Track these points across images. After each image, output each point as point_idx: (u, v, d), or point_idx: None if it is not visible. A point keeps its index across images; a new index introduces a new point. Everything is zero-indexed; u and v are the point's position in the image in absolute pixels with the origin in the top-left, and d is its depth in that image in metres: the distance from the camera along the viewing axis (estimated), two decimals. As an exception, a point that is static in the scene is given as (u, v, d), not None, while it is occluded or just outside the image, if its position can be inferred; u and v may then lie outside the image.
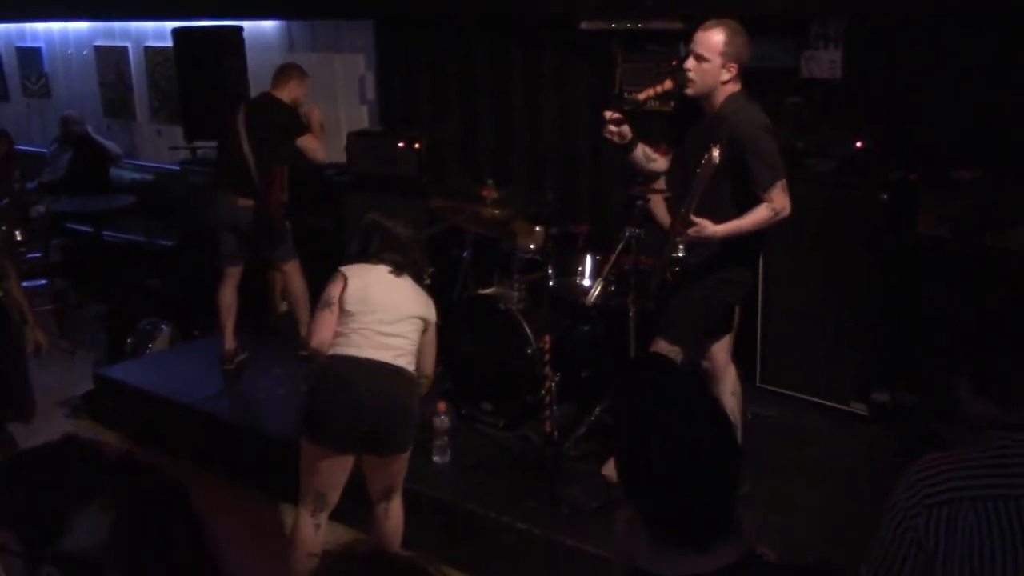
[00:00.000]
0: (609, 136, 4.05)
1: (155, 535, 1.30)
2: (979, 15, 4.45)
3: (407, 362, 3.66)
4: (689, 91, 3.85)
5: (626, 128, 4.05)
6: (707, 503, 1.60)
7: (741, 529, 1.64)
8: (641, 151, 4.15)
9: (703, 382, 1.72)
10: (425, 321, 3.79)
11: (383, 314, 3.64)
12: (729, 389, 4.14)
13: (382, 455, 3.63)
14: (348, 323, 3.63)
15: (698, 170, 3.54)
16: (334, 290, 3.66)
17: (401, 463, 3.71)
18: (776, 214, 3.73)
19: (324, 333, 3.64)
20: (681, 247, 3.87)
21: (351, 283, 3.67)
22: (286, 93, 5.58)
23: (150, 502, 1.32)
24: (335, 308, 3.65)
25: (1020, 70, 4.47)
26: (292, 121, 5.56)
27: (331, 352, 3.61)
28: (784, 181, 3.75)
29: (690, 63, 3.81)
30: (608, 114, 4.02)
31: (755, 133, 3.73)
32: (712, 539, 1.59)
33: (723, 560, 1.59)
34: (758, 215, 3.73)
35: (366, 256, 3.78)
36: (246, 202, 5.48)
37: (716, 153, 3.48)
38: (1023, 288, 4.12)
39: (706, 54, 3.77)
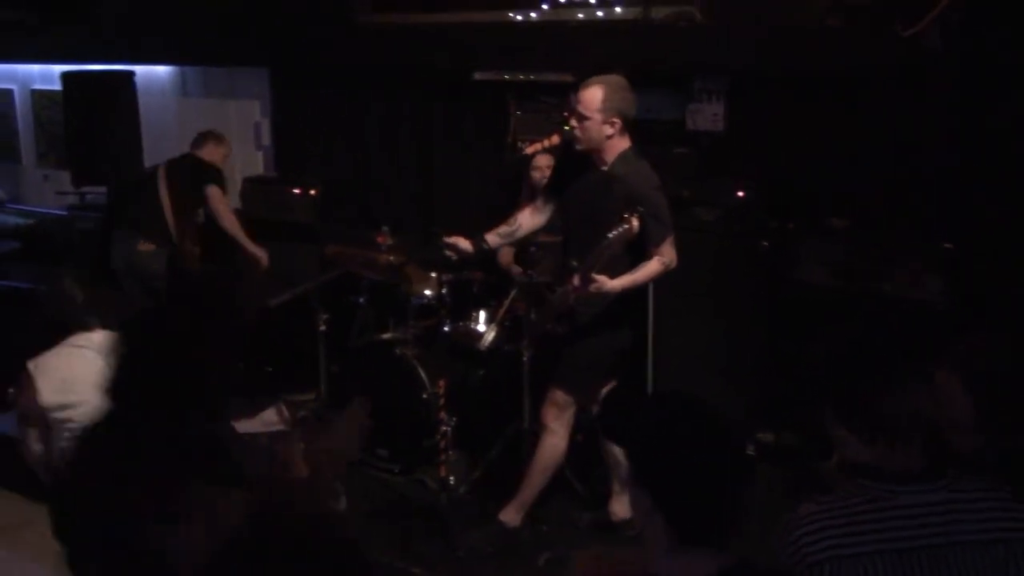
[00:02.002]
0: (451, 255, 4.27)
1: None
2: (848, 74, 4.70)
3: None
4: (579, 147, 3.97)
5: (461, 243, 4.25)
6: (728, 505, 1.82)
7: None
8: (495, 237, 4.33)
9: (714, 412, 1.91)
10: None
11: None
12: None
13: None
14: None
15: (611, 234, 3.59)
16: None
17: None
18: (666, 267, 3.91)
19: None
20: (571, 299, 3.97)
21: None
22: (205, 153, 5.95)
23: None
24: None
25: (893, 124, 4.72)
26: (207, 172, 5.89)
27: None
28: (672, 236, 3.91)
29: (573, 121, 3.94)
30: (446, 242, 4.25)
31: (649, 192, 3.87)
32: (730, 539, 1.82)
33: (726, 562, 1.79)
34: (650, 269, 3.88)
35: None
36: (147, 246, 5.50)
37: (636, 223, 3.58)
38: (895, 332, 4.32)
39: (586, 112, 3.88)
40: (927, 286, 4.40)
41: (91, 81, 6.81)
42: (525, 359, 4.55)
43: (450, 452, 4.47)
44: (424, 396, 4.68)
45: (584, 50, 5.32)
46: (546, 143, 4.10)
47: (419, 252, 5.11)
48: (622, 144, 3.97)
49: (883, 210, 4.76)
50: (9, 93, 8.43)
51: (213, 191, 5.84)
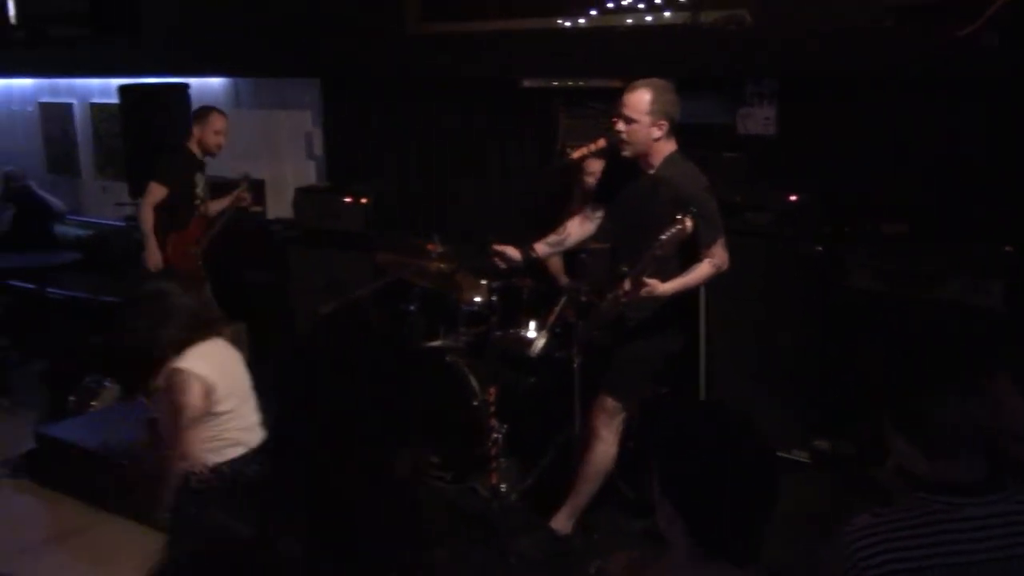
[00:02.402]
0: (500, 264, 4.28)
1: None
2: (902, 75, 4.62)
3: None
4: (626, 152, 3.96)
5: (509, 252, 4.26)
6: (755, 521, 1.76)
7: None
8: (544, 246, 4.35)
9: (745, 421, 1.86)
10: None
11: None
12: None
13: None
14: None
15: (663, 236, 3.59)
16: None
17: None
18: (717, 269, 3.87)
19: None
20: (621, 305, 3.94)
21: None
22: (192, 138, 5.87)
23: None
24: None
25: (948, 126, 4.64)
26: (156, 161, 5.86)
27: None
28: (724, 238, 3.87)
29: (620, 125, 3.93)
30: (495, 250, 4.27)
31: (697, 193, 3.85)
32: (749, 556, 1.76)
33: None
34: (702, 271, 3.86)
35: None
36: None
37: (689, 224, 3.57)
38: (952, 339, 4.25)
39: (633, 115, 3.89)
40: (987, 291, 4.30)
41: (147, 93, 6.93)
42: (576, 366, 4.55)
43: (501, 459, 4.47)
44: (475, 403, 4.68)
45: (633, 55, 5.29)
46: (592, 147, 4.10)
47: (469, 260, 5.12)
48: (668, 147, 3.97)
49: (939, 214, 4.67)
50: (69, 107, 8.61)
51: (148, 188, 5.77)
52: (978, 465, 2.05)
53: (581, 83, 5.56)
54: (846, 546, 2.05)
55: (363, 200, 6.23)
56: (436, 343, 5.11)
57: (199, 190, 5.82)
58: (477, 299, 5.04)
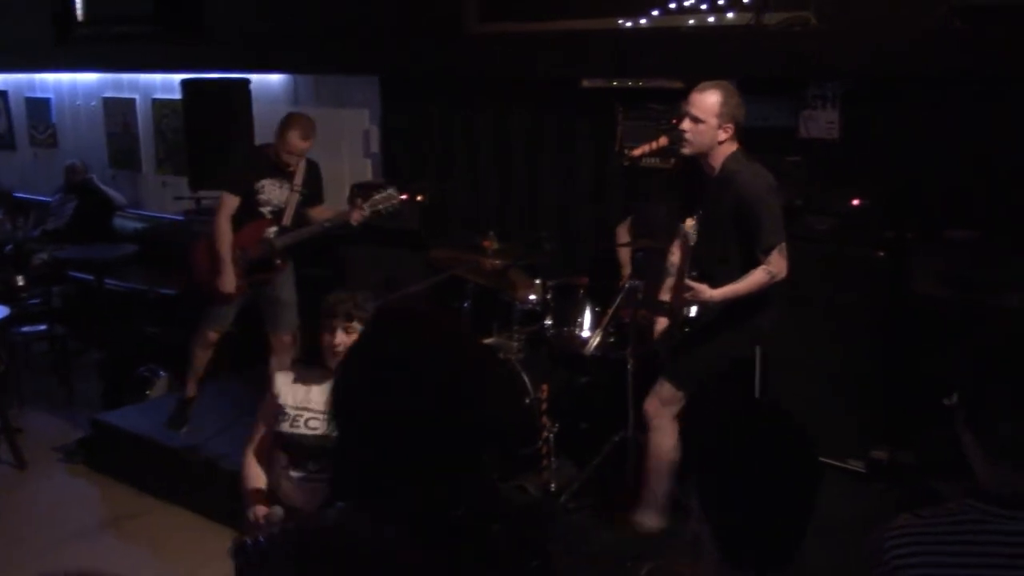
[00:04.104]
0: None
1: None
2: (972, 76, 4.53)
3: None
4: (686, 151, 3.94)
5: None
6: (785, 532, 1.64)
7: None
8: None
9: (789, 417, 1.76)
10: None
11: None
12: None
13: None
14: None
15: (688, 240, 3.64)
16: None
17: None
18: (773, 277, 3.78)
19: None
20: (693, 309, 3.94)
21: None
22: (276, 143, 5.26)
23: None
24: None
25: (1014, 130, 4.54)
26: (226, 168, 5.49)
27: None
28: (784, 244, 3.78)
29: (686, 124, 3.89)
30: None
31: (760, 194, 3.79)
32: (784, 565, 1.64)
33: None
34: (754, 279, 3.78)
35: None
36: None
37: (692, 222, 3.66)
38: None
39: (701, 115, 3.85)
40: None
41: (208, 88, 7.02)
42: (630, 367, 4.52)
43: (552, 459, 4.44)
44: (527, 401, 4.66)
45: (694, 57, 5.25)
46: (653, 145, 4.07)
47: (525, 257, 5.11)
48: (731, 148, 3.92)
49: (1005, 219, 4.57)
50: (131, 103, 8.74)
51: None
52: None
53: (641, 83, 5.52)
54: (881, 544, 2.00)
55: (419, 197, 6.23)
56: (489, 341, 5.09)
57: (265, 197, 5.28)
58: (532, 297, 5.02)
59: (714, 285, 3.80)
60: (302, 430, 3.56)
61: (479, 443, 1.59)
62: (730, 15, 5.25)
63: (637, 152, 4.22)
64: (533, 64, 5.90)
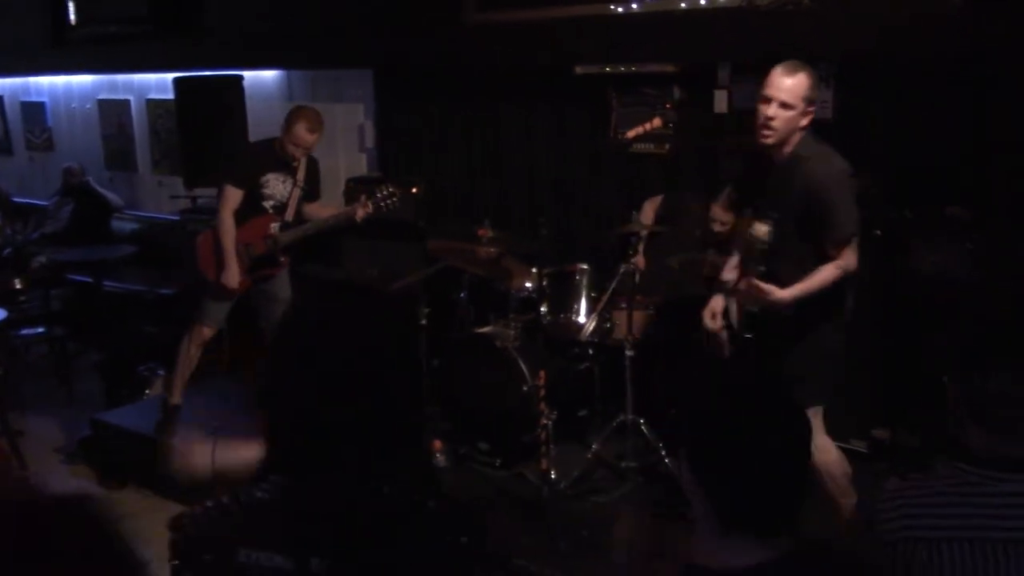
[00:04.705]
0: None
1: None
2: (964, 57, 4.50)
3: None
4: (769, 140, 3.55)
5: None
6: (779, 495, 1.62)
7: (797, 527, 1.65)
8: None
9: (778, 384, 1.75)
10: None
11: None
12: None
13: None
14: None
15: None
16: None
17: None
18: (844, 272, 3.53)
19: None
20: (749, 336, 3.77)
21: None
22: (282, 136, 5.19)
23: None
24: None
25: (1007, 109, 4.51)
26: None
27: None
28: (856, 237, 3.56)
29: (772, 110, 3.51)
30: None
31: (832, 182, 3.50)
32: (775, 528, 1.62)
33: (779, 550, 1.61)
34: (824, 275, 3.50)
35: None
36: None
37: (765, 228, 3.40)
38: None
39: (791, 100, 3.49)
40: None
41: (201, 85, 6.99)
42: (627, 351, 4.50)
43: (551, 446, 4.41)
44: (525, 389, 4.64)
45: (687, 40, 5.23)
46: (648, 126, 4.03)
47: (522, 245, 5.09)
48: (803, 132, 3.59)
49: (1004, 198, 4.53)
50: (126, 104, 8.73)
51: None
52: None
53: (635, 68, 5.50)
54: (874, 508, 2.07)
55: (414, 190, 6.22)
56: (486, 330, 5.07)
57: (269, 191, 5.22)
58: (527, 284, 5.01)
59: (779, 283, 3.53)
60: None
61: (410, 417, 1.63)
62: (722, -3, 5.22)
63: (632, 134, 4.19)
64: (528, 52, 5.88)
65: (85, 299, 7.82)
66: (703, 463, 1.66)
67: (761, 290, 3.45)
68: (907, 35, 4.58)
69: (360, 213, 5.18)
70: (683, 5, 5.27)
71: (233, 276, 5.15)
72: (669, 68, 5.35)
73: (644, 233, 4.76)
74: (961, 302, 4.35)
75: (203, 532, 1.52)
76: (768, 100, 3.52)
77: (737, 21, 5.08)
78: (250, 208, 5.20)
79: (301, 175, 5.31)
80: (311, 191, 5.44)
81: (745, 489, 1.61)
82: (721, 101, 5.33)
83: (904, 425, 4.71)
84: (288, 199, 5.29)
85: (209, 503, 1.56)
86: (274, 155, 5.21)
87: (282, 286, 5.45)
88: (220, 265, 5.17)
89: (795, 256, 3.57)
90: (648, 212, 5.27)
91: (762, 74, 5.06)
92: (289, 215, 5.31)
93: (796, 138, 3.56)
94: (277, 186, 5.26)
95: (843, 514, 3.73)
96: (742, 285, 3.53)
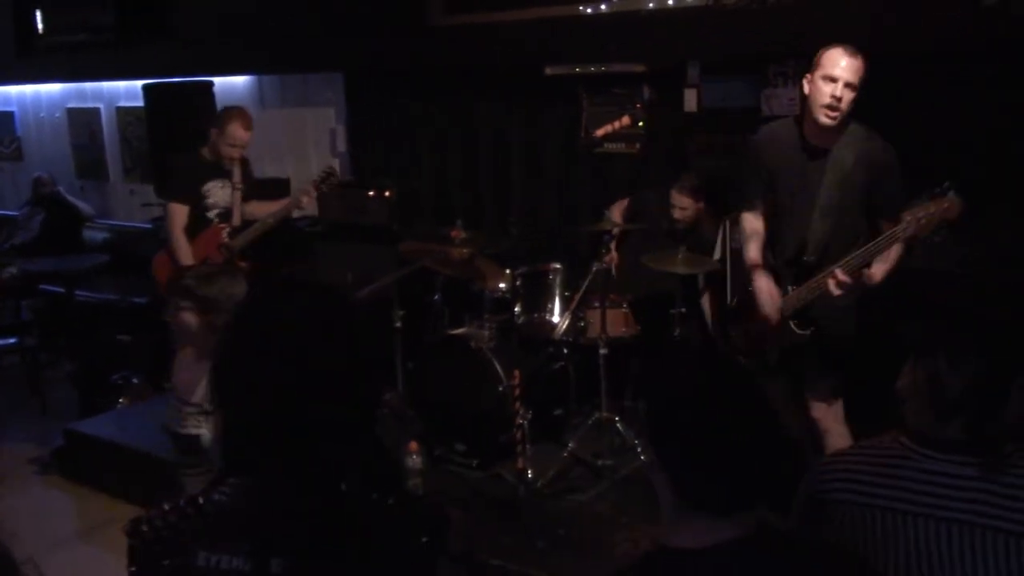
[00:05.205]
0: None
1: None
2: (934, 49, 4.55)
3: None
4: (833, 123, 3.56)
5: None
6: (735, 473, 1.62)
7: (761, 505, 1.65)
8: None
9: (742, 367, 1.78)
10: None
11: None
12: None
13: None
14: None
15: (918, 216, 3.19)
16: None
17: None
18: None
19: None
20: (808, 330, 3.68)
21: None
22: (208, 142, 5.24)
23: None
24: None
25: (983, 105, 4.55)
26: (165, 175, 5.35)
27: None
28: None
29: (840, 91, 3.53)
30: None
31: (893, 157, 3.61)
32: (735, 508, 1.62)
33: (741, 529, 1.61)
34: (897, 252, 3.51)
35: None
36: None
37: (951, 204, 3.17)
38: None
39: (856, 81, 3.55)
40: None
41: (170, 92, 6.95)
42: (602, 350, 4.52)
43: (528, 445, 4.42)
44: (500, 389, 4.65)
45: (655, 39, 5.26)
46: (617, 124, 4.05)
47: (493, 245, 5.11)
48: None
49: (984, 192, 4.57)
50: (96, 112, 8.68)
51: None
52: (958, 427, 2.04)
53: (604, 68, 5.52)
54: (815, 471, 2.15)
55: (387, 193, 6.22)
56: (460, 331, 5.07)
57: (212, 200, 5.24)
58: (501, 285, 5.02)
59: (832, 261, 3.54)
60: None
61: (366, 411, 1.61)
62: (689, -4, 5.26)
63: (601, 132, 4.21)
64: (497, 54, 5.90)
65: (57, 309, 7.76)
66: (661, 441, 1.67)
67: (851, 280, 3.43)
68: (868, 30, 4.61)
69: (304, 200, 5.21)
70: (651, 5, 5.30)
71: None
72: (638, 68, 5.38)
73: (616, 231, 4.77)
74: (945, 294, 4.39)
75: (160, 536, 1.51)
76: (833, 80, 3.54)
77: (704, 20, 5.12)
78: (197, 221, 5.19)
79: (238, 177, 5.30)
80: (249, 191, 5.43)
81: (699, 467, 1.62)
82: (691, 100, 5.36)
83: (876, 419, 4.73)
84: (231, 204, 5.28)
85: (166, 506, 1.54)
86: (206, 163, 5.22)
87: (242, 292, 5.41)
88: None
89: (852, 233, 3.63)
90: (616, 215, 5.31)
91: (730, 72, 5.17)
92: (236, 220, 5.31)
93: (844, 124, 3.61)
94: (218, 193, 5.25)
95: None
96: (840, 275, 3.44)
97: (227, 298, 3.27)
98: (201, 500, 1.53)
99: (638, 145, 5.49)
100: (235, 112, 5.19)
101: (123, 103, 8.40)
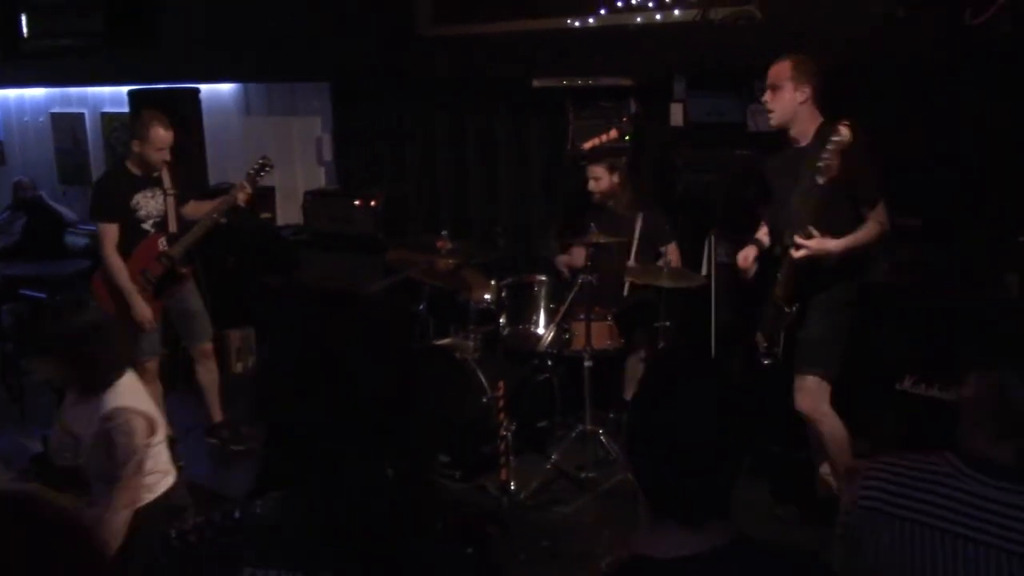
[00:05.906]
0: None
1: None
2: (915, 66, 4.59)
3: None
4: (772, 122, 4.09)
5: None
6: (703, 482, 1.61)
7: (731, 514, 1.65)
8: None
9: (720, 369, 1.76)
10: None
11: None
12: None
13: None
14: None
15: (825, 152, 3.57)
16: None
17: None
18: (883, 229, 3.90)
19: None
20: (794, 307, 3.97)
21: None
22: (131, 154, 5.16)
23: None
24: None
25: (957, 118, 4.60)
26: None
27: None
28: (884, 200, 3.91)
29: (767, 95, 4.05)
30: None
31: (858, 146, 3.78)
32: (705, 518, 1.61)
33: (715, 540, 1.60)
34: (870, 231, 3.87)
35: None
36: None
37: (847, 133, 3.56)
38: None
39: (776, 82, 4.01)
40: (1002, 284, 4.25)
41: (157, 98, 6.92)
42: (586, 363, 4.53)
43: (511, 457, 4.43)
44: (484, 400, 4.65)
45: (643, 54, 5.28)
46: (604, 138, 4.09)
47: (479, 255, 5.11)
48: (820, 118, 4.03)
49: (954, 207, 4.62)
50: (80, 117, 8.64)
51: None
52: (1016, 454, 2.00)
53: (591, 82, 5.54)
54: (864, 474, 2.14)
55: (373, 203, 6.23)
56: (446, 342, 5.07)
57: (144, 212, 5.14)
58: (487, 296, 5.02)
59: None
60: None
61: (414, 423, 1.56)
62: (676, 12, 5.29)
63: (588, 145, 4.25)
64: (485, 65, 5.91)
65: (38, 314, 7.70)
66: (633, 450, 1.67)
67: (812, 243, 3.74)
68: (855, 46, 4.65)
69: (241, 197, 5.12)
70: (638, 20, 5.33)
71: (143, 309, 5.06)
72: (625, 81, 5.40)
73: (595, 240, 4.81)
74: (912, 308, 4.42)
75: (202, 551, 1.46)
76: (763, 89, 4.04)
77: (691, 35, 5.15)
78: (133, 234, 5.12)
79: (168, 182, 5.23)
80: (183, 194, 5.35)
81: (666, 476, 1.61)
82: (677, 114, 5.38)
83: (856, 433, 4.76)
84: (165, 211, 5.22)
85: (197, 520, 1.49)
86: (132, 176, 5.14)
87: (191, 299, 5.37)
88: (124, 303, 5.05)
89: (835, 225, 3.85)
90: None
91: (717, 88, 5.20)
92: (172, 226, 5.24)
93: (811, 123, 4.00)
94: (149, 203, 5.17)
95: (839, 471, 4.11)
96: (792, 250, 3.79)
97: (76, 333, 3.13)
98: (237, 514, 1.48)
99: (624, 158, 5.51)
100: (150, 116, 5.12)
101: (108, 109, 8.36)
